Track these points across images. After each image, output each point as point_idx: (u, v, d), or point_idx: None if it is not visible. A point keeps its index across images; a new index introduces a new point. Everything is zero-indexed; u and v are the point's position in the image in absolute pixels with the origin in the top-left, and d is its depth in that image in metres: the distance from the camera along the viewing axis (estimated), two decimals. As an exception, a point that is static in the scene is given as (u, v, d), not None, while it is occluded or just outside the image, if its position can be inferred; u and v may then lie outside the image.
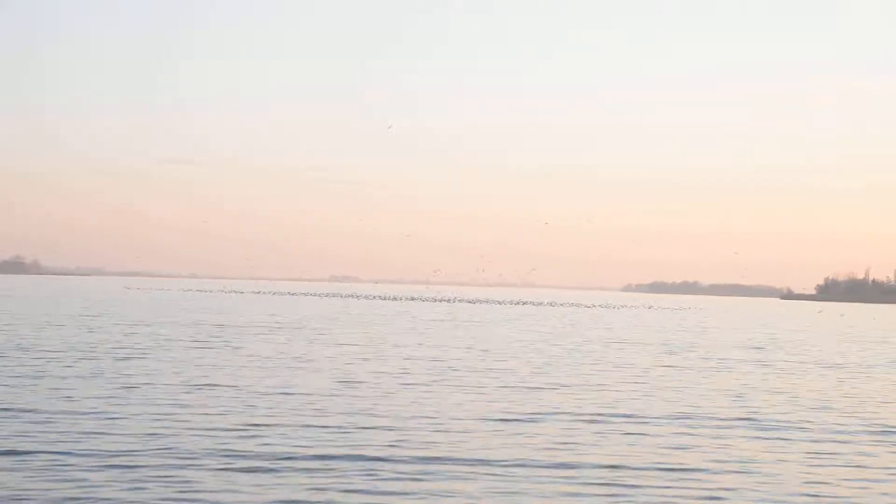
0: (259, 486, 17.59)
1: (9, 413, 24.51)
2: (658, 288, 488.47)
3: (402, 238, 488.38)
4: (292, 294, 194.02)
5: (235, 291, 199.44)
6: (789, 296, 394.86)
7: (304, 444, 21.39)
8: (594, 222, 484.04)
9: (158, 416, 24.58)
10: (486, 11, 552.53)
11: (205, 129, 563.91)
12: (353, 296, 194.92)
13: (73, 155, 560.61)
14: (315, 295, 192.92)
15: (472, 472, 19.03)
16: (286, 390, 30.88)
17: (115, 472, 18.23)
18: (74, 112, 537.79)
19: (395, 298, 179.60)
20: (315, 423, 24.16)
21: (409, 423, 24.77)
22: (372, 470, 19.01)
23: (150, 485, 17.37)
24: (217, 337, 55.50)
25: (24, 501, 16.20)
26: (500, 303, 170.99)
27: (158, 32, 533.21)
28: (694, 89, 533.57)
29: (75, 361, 38.17)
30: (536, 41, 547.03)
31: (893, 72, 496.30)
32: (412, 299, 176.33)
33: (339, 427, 23.77)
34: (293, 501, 16.74)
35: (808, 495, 18.40)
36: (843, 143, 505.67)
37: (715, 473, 19.78)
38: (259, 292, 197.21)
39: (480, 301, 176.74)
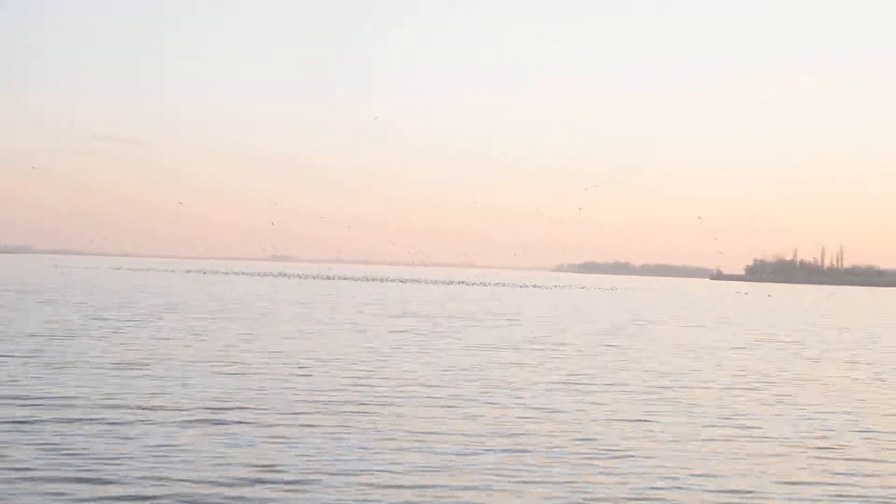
0: None
1: None
2: (590, 268, 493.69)
3: (349, 220, 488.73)
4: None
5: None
6: (719, 276, 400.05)
7: None
8: (534, 207, 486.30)
9: None
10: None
11: (164, 108, 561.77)
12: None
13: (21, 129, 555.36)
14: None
15: None
16: None
17: None
18: (31, 87, 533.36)
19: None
20: None
21: None
22: None
23: None
24: None
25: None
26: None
27: (137, 16, 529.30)
28: (635, 84, 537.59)
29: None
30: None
31: (828, 66, 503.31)
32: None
33: None
34: None
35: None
36: (773, 136, 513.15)
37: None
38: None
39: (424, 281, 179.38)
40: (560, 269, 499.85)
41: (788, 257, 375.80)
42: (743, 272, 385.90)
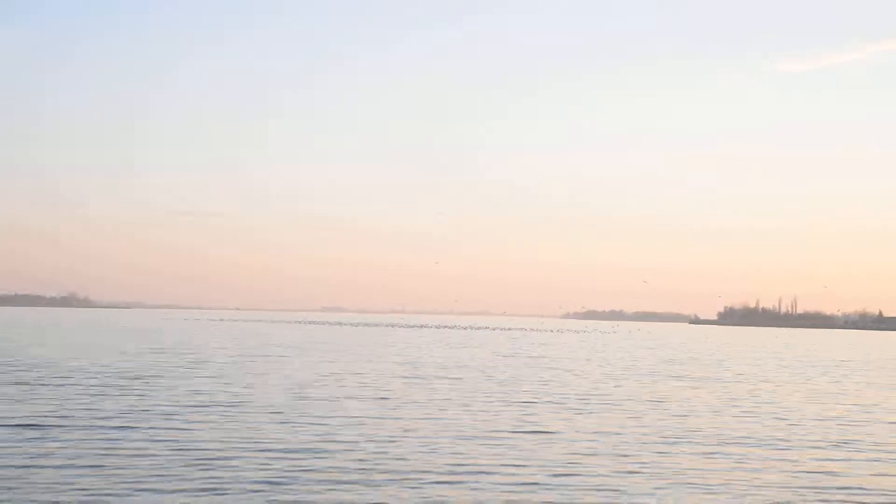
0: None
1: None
2: (591, 315, 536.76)
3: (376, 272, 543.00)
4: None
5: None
6: (696, 321, 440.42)
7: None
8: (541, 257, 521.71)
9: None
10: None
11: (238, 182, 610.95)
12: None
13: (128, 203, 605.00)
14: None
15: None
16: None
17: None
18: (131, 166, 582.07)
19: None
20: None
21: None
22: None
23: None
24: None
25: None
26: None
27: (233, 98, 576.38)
28: (617, 139, 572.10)
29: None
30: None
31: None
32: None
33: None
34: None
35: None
36: (738, 186, 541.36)
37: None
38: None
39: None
40: (567, 316, 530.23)
41: (752, 305, 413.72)
42: (716, 317, 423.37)
